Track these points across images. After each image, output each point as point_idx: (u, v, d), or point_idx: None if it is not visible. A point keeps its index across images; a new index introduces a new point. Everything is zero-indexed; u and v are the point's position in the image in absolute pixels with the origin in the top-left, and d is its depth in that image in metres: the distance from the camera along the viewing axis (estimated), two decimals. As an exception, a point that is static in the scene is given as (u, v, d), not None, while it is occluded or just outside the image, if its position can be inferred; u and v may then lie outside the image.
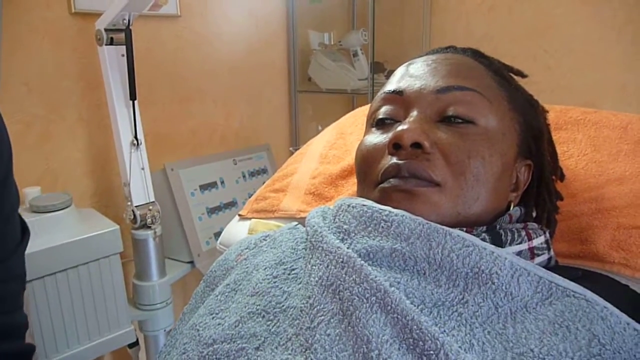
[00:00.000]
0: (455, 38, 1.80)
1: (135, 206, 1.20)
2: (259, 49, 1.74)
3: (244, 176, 1.54)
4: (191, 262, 1.38)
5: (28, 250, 0.58)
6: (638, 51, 1.49)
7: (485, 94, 0.54)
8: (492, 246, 0.45)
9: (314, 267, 0.45)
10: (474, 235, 0.47)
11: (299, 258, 0.51)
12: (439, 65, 0.57)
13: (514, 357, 0.38)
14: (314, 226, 0.50)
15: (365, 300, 0.40)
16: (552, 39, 1.61)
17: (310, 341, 0.39)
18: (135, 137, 1.19)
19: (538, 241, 0.51)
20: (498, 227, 0.50)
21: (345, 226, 0.49)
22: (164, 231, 1.27)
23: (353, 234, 0.47)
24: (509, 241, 0.49)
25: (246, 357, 0.40)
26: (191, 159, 1.45)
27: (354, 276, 0.41)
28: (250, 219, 0.84)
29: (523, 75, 0.62)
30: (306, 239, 0.52)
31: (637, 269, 0.58)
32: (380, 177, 0.52)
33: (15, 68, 1.18)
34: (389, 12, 1.94)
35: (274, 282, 0.48)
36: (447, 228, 0.45)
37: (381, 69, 1.77)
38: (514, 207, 0.56)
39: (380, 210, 0.47)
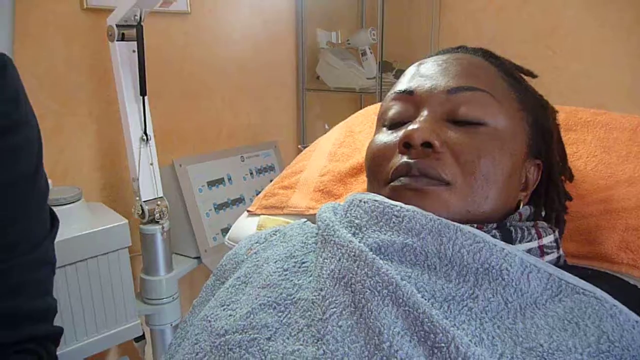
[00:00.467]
0: (464, 38, 1.80)
1: (144, 201, 1.21)
2: (267, 46, 1.75)
3: (251, 173, 1.54)
4: (198, 258, 1.39)
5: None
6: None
7: (496, 95, 0.54)
8: (503, 243, 0.45)
9: (325, 260, 0.46)
10: (484, 232, 0.48)
11: (310, 252, 0.52)
12: (450, 65, 0.57)
13: (523, 351, 0.38)
14: (325, 220, 0.50)
15: (377, 293, 0.40)
16: (560, 40, 1.61)
17: (322, 332, 0.40)
18: (145, 132, 1.20)
19: (548, 239, 0.51)
20: (508, 224, 0.50)
21: (356, 221, 0.49)
22: (172, 227, 1.28)
23: (364, 229, 0.48)
24: (519, 238, 0.49)
25: (258, 347, 0.41)
26: (199, 155, 1.46)
27: (365, 269, 0.42)
28: (259, 215, 0.84)
29: (533, 76, 0.62)
30: (316, 233, 0.53)
31: (645, 270, 0.58)
32: (391, 175, 0.53)
33: (27, 62, 1.19)
34: (398, 12, 1.94)
35: (285, 275, 0.49)
36: (458, 224, 0.46)
37: (390, 68, 1.77)
38: (523, 206, 0.56)
39: (392, 206, 0.48)
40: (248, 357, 0.41)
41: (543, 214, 0.60)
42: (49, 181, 1.11)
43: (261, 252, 0.56)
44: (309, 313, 0.43)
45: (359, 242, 0.46)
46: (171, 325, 1.31)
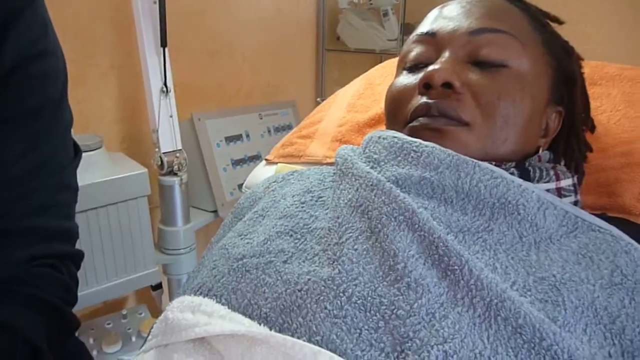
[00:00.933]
0: None
1: (163, 153, 1.23)
2: (288, 5, 1.73)
3: (269, 131, 1.55)
4: (215, 212, 1.41)
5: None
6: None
7: (519, 37, 0.53)
8: (520, 180, 0.45)
9: (343, 191, 0.47)
10: (503, 169, 0.48)
11: (327, 188, 0.53)
12: (473, 7, 0.56)
13: (535, 280, 0.39)
14: (343, 156, 0.51)
15: (393, 219, 0.41)
16: (589, 5, 1.56)
17: (337, 254, 0.41)
18: (165, 84, 1.21)
19: (566, 182, 0.51)
20: (527, 164, 0.50)
21: (375, 156, 0.50)
22: (189, 180, 1.30)
23: (383, 163, 0.48)
24: (537, 178, 0.49)
25: (274, 269, 0.42)
26: (218, 110, 1.47)
27: (383, 197, 0.43)
28: (276, 163, 0.85)
29: (560, 22, 0.61)
30: (334, 172, 0.54)
31: (662, 221, 0.58)
32: (410, 116, 0.53)
33: (51, 12, 1.19)
34: (422, -27, 1.89)
35: (302, 207, 0.50)
36: (476, 160, 0.46)
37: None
38: (543, 151, 0.56)
39: (411, 142, 0.48)
40: (264, 277, 0.42)
41: (562, 162, 0.59)
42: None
43: (279, 189, 0.57)
44: (325, 239, 0.44)
45: (377, 174, 0.46)
46: (188, 275, 1.34)
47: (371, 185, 0.44)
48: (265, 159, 0.88)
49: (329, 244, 0.42)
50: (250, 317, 0.40)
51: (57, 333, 0.55)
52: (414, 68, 0.57)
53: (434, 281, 0.38)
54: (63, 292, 0.57)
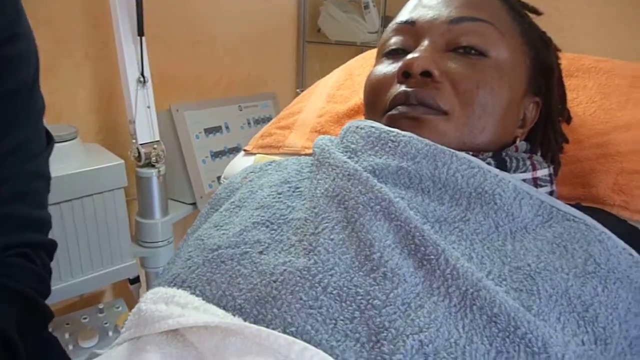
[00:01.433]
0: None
1: (140, 144, 1.21)
2: (269, -4, 1.71)
3: (249, 123, 1.53)
4: (194, 204, 1.39)
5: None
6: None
7: (498, 26, 0.53)
8: (497, 169, 0.45)
9: (320, 181, 0.46)
10: (480, 159, 0.48)
11: (304, 179, 0.52)
12: None
13: (511, 270, 0.39)
14: (320, 146, 0.50)
15: (369, 208, 0.41)
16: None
17: (313, 244, 0.40)
18: (142, 74, 1.19)
19: (542, 172, 0.52)
20: (504, 154, 0.50)
21: (352, 146, 0.49)
22: (168, 172, 1.28)
23: (360, 153, 0.48)
24: (513, 168, 0.49)
25: (250, 260, 0.41)
26: (197, 102, 1.45)
27: (359, 187, 0.42)
28: (255, 154, 0.84)
29: (538, 13, 0.61)
30: (312, 163, 0.53)
31: (636, 211, 0.59)
32: (389, 104, 0.53)
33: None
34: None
35: (279, 198, 0.49)
36: (454, 150, 0.46)
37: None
38: (520, 142, 0.56)
39: (389, 131, 0.48)
40: (239, 268, 0.41)
41: (539, 153, 0.60)
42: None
43: (256, 180, 0.56)
44: (301, 230, 0.43)
45: (355, 164, 0.46)
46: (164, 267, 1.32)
47: (348, 175, 0.44)
48: (244, 150, 0.87)
49: (305, 235, 0.42)
50: (225, 308, 0.39)
51: (29, 324, 0.54)
52: (393, 56, 0.56)
53: (410, 271, 0.38)
54: (36, 282, 0.57)
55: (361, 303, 0.36)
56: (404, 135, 0.47)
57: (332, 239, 0.40)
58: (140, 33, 1.15)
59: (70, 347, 1.09)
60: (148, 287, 1.38)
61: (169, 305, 0.40)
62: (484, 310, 0.35)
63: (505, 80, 0.52)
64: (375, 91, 0.56)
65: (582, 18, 1.55)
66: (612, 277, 0.39)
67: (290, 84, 1.89)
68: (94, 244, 1.10)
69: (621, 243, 0.42)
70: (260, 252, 0.42)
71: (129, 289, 1.34)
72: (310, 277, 0.38)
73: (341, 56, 2.03)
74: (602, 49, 1.49)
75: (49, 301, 0.59)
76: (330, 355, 0.33)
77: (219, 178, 1.41)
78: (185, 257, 0.47)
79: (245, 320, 0.38)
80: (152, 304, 0.41)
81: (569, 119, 0.64)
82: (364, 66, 0.90)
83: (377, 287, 0.37)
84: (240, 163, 0.85)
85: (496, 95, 0.51)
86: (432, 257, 0.37)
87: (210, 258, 0.43)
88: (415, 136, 0.47)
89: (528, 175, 0.50)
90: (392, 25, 0.58)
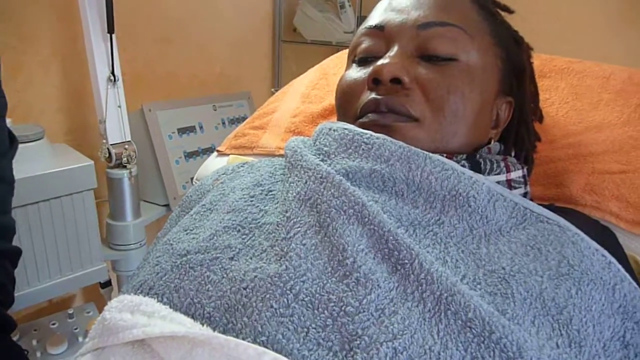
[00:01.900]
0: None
1: (111, 144, 1.18)
2: (244, -6, 1.69)
3: (223, 123, 1.51)
4: (166, 206, 1.37)
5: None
6: (623, 20, 1.48)
7: (468, 29, 0.53)
8: (471, 172, 0.45)
9: (292, 184, 0.45)
10: (454, 161, 0.47)
11: (277, 182, 0.51)
12: None
13: (485, 273, 0.39)
14: (293, 148, 0.49)
15: (342, 212, 0.40)
16: (536, 3, 1.59)
17: (285, 250, 0.39)
18: (112, 72, 1.15)
19: (516, 174, 0.51)
20: (478, 156, 0.50)
21: (325, 148, 0.48)
22: (140, 173, 1.25)
23: (333, 155, 0.47)
24: (487, 170, 0.49)
25: (220, 266, 0.40)
26: (170, 101, 1.42)
27: (332, 190, 0.41)
28: (228, 155, 0.83)
29: (509, 11, 0.61)
30: (284, 165, 0.52)
31: (607, 212, 0.59)
32: (359, 112, 0.52)
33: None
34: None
35: (251, 201, 0.48)
36: (427, 152, 0.45)
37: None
38: (493, 143, 0.56)
39: (362, 133, 0.47)
40: (209, 274, 0.40)
41: (512, 153, 0.60)
42: (8, 120, 1.07)
43: (228, 182, 0.55)
44: (273, 235, 0.42)
45: (327, 167, 0.45)
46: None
47: (320, 178, 0.43)
48: (217, 150, 0.85)
49: (277, 240, 0.41)
50: (193, 316, 0.38)
51: None
52: (363, 61, 0.56)
53: (384, 276, 0.37)
54: None
55: (334, 310, 0.35)
56: (377, 138, 0.46)
57: (304, 244, 0.39)
58: (111, 30, 1.11)
59: (38, 354, 1.06)
60: (120, 291, 1.34)
61: (135, 314, 0.39)
62: (459, 315, 0.35)
63: (476, 83, 0.51)
64: (346, 97, 0.55)
65: (556, 20, 1.57)
66: (586, 279, 0.39)
67: (265, 83, 1.87)
68: (62, 247, 1.07)
69: (594, 244, 0.42)
70: (231, 258, 0.41)
71: (100, 293, 1.31)
72: (282, 284, 0.37)
73: (317, 55, 2.01)
74: (574, 50, 1.52)
75: (15, 307, 0.57)
76: (302, 364, 0.32)
77: (192, 179, 1.38)
78: (154, 263, 0.45)
79: (214, 329, 0.36)
80: (117, 312, 0.40)
81: (541, 118, 0.64)
82: (339, 66, 0.89)
83: (350, 293, 0.36)
84: (213, 164, 0.83)
85: (467, 99, 0.50)
86: (406, 261, 0.37)
87: (179, 264, 0.42)
88: (389, 138, 0.46)
89: (502, 177, 0.50)
90: (362, 29, 0.57)
